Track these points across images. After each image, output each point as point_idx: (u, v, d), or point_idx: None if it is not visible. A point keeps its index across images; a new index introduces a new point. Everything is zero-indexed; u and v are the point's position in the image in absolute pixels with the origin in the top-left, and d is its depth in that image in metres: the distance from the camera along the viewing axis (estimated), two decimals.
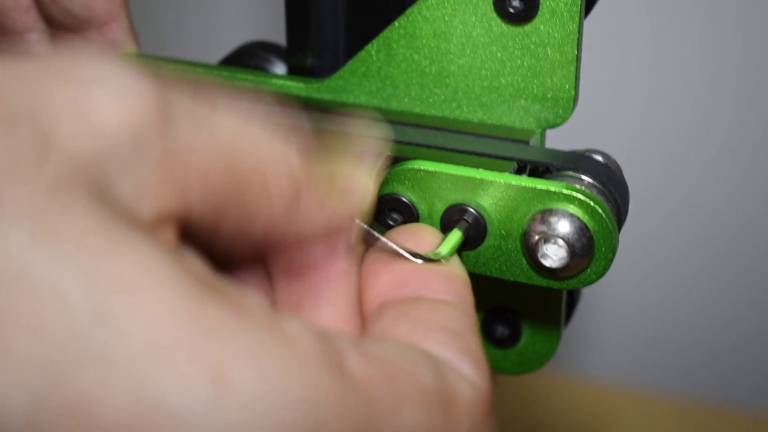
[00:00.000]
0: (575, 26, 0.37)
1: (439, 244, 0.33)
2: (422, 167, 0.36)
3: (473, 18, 0.38)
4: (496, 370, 0.42)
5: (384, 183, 0.36)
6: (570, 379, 1.01)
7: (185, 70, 0.42)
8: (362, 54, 0.39)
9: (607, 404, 0.98)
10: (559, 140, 0.43)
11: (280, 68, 0.43)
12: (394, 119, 0.39)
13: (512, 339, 0.42)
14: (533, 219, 0.35)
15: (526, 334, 0.41)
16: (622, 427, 0.96)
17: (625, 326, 1.06)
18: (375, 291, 0.31)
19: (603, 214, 0.34)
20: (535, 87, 0.38)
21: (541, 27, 0.37)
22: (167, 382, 0.22)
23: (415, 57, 0.39)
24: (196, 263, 0.25)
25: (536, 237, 0.35)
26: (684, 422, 0.96)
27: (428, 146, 0.37)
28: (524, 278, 0.36)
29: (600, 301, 1.06)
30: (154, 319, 0.22)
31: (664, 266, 1.02)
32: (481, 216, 0.35)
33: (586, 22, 0.37)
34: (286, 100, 0.40)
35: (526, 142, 0.38)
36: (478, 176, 0.35)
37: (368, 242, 0.31)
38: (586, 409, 0.97)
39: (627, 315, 1.06)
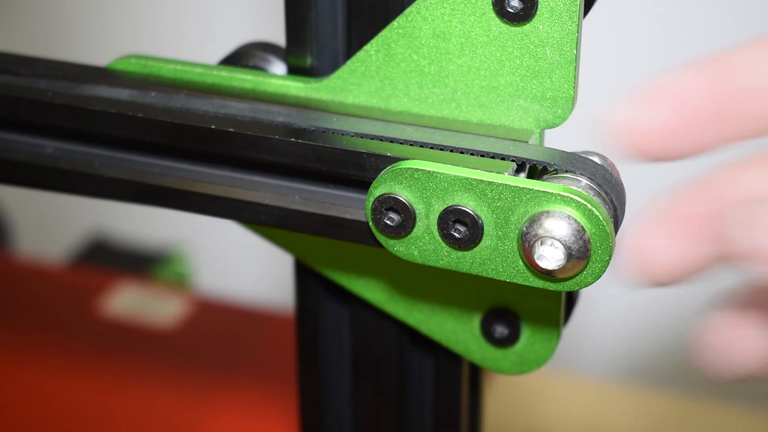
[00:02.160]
0: (574, 26, 0.37)
1: None
2: (419, 167, 0.36)
3: (472, 18, 0.38)
4: (495, 370, 0.42)
5: (382, 182, 0.36)
6: (569, 379, 1.01)
7: (184, 70, 0.42)
8: (361, 54, 0.39)
9: (605, 404, 0.98)
10: (557, 140, 0.43)
11: (279, 68, 0.43)
12: (392, 119, 0.39)
13: (511, 339, 0.42)
14: (530, 220, 0.35)
15: (525, 334, 0.41)
16: (621, 427, 0.96)
17: (624, 326, 1.06)
18: None
19: (600, 217, 0.34)
20: (533, 87, 0.38)
21: (540, 27, 0.37)
22: None
23: (414, 57, 0.39)
24: None
25: (533, 238, 0.35)
26: (683, 422, 0.96)
27: (426, 145, 0.37)
28: (521, 280, 0.36)
29: (599, 301, 1.06)
30: None
31: None
32: (478, 216, 0.35)
33: (585, 22, 0.37)
34: (285, 100, 0.40)
35: (525, 142, 0.38)
36: (476, 177, 0.35)
37: None
38: (584, 408, 0.97)
39: (626, 315, 1.06)
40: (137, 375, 0.90)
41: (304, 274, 0.46)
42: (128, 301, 0.98)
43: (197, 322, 0.97)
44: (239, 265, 1.22)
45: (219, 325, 0.98)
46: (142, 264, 1.13)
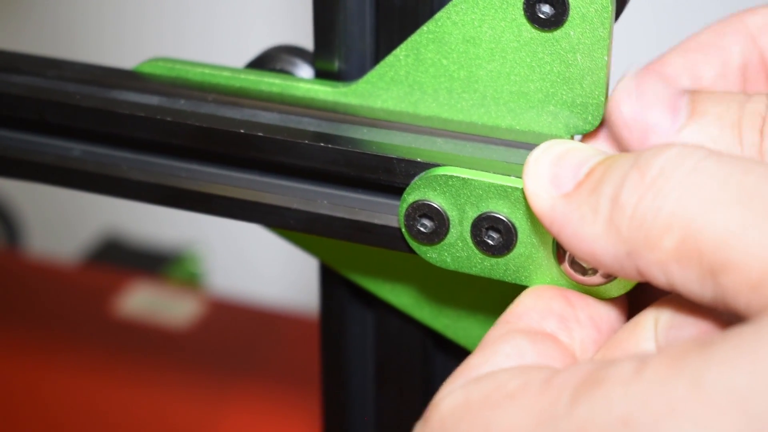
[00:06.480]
0: (605, 32, 0.36)
1: None
2: (454, 174, 0.35)
3: (503, 23, 0.37)
4: None
5: (415, 189, 0.36)
6: None
7: (211, 74, 0.41)
8: (390, 58, 0.39)
9: None
10: None
11: (306, 72, 0.42)
12: (421, 124, 0.39)
13: None
14: None
15: None
16: None
17: None
18: None
19: None
20: (564, 93, 0.38)
21: (571, 33, 0.37)
22: None
23: (444, 62, 0.39)
24: None
25: None
26: None
27: (458, 156, 0.37)
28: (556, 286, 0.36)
29: None
30: None
31: None
32: (512, 224, 0.35)
33: (615, 27, 0.37)
34: (313, 104, 0.40)
35: None
36: (511, 184, 0.35)
37: None
38: None
39: None
40: (150, 375, 0.90)
41: (329, 278, 0.45)
42: (141, 301, 0.98)
43: (210, 322, 0.97)
44: (252, 265, 1.22)
45: (232, 325, 0.98)
46: (155, 263, 1.13)
